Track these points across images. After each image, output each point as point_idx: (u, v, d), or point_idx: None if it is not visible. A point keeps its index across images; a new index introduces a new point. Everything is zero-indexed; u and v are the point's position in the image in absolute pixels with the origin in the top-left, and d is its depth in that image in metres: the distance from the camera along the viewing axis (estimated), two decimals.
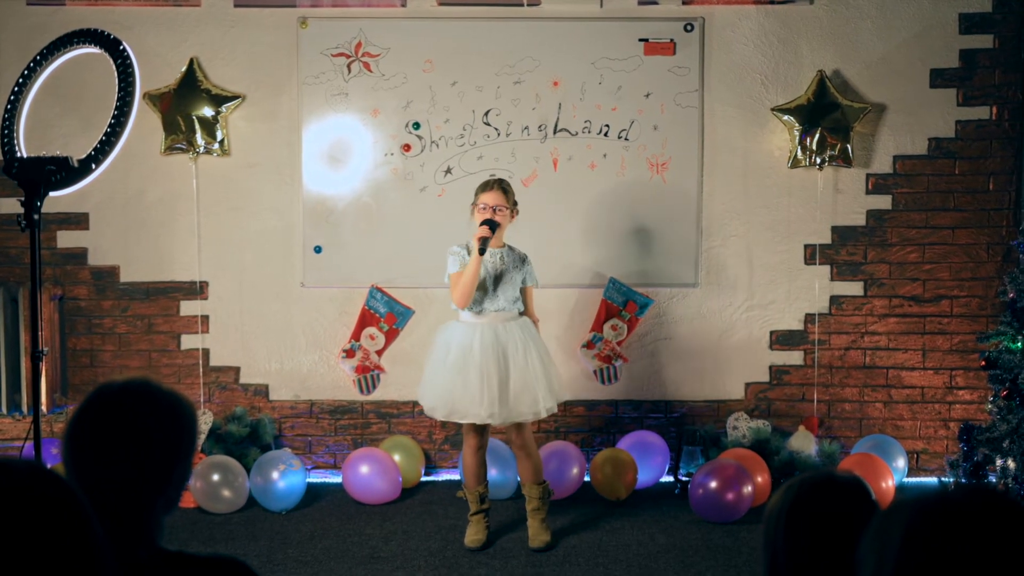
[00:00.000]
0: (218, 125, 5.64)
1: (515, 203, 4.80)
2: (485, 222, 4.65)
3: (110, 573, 1.46)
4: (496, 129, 5.72)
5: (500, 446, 5.42)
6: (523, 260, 4.84)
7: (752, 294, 5.83)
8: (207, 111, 5.62)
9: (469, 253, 4.69)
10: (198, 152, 5.66)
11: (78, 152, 3.96)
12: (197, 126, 5.62)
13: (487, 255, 4.73)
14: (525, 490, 4.88)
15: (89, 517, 1.45)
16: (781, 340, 5.86)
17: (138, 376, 1.93)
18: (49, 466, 1.72)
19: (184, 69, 5.62)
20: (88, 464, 1.83)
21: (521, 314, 4.82)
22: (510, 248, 4.85)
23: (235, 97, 5.67)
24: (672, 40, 5.71)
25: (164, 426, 1.88)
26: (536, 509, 4.85)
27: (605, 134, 5.72)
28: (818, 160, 5.63)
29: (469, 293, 4.67)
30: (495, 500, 5.20)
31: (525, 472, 4.85)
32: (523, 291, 4.84)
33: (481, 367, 4.64)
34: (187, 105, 5.61)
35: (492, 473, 5.15)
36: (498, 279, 4.74)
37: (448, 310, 5.73)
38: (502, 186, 4.75)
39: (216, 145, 5.66)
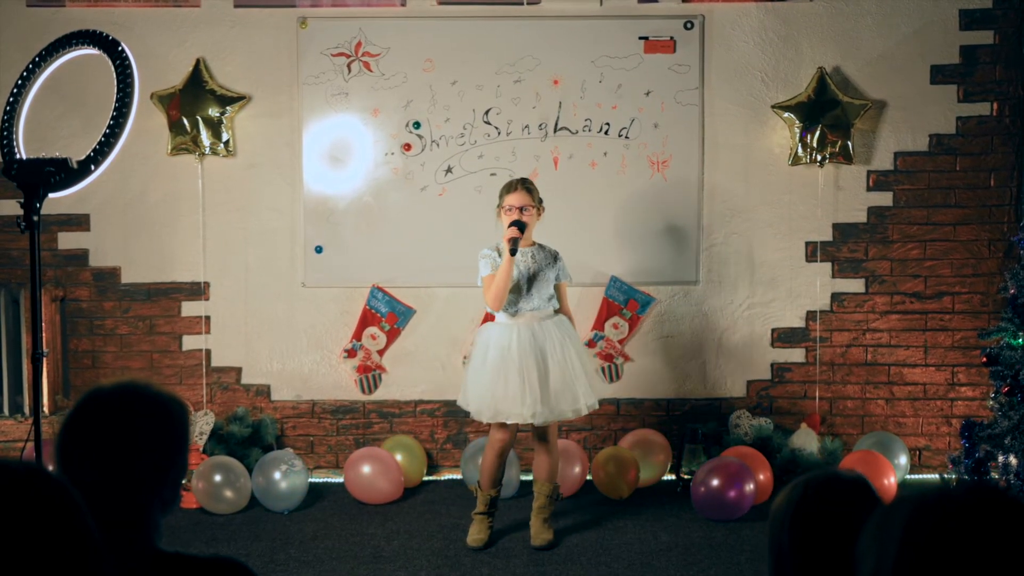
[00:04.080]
0: (223, 126, 5.64)
1: (540, 200, 4.80)
2: (513, 223, 4.65)
3: (107, 575, 1.46)
4: (496, 128, 5.72)
5: None
6: (555, 257, 4.83)
7: (753, 292, 5.83)
8: (213, 112, 5.61)
9: (500, 255, 4.68)
10: (204, 153, 5.66)
11: (80, 153, 3.96)
12: (203, 127, 5.62)
13: (518, 255, 4.72)
14: (536, 487, 4.86)
15: (86, 519, 1.45)
16: (783, 338, 5.85)
17: (129, 379, 1.93)
18: (49, 468, 1.72)
19: (190, 70, 5.62)
20: (80, 468, 1.83)
21: (557, 312, 4.81)
22: (540, 246, 4.84)
23: (240, 97, 5.67)
24: (672, 38, 5.71)
25: (154, 428, 1.88)
26: (542, 507, 4.84)
27: (605, 132, 5.72)
28: (819, 157, 5.62)
29: (502, 295, 4.67)
30: None
31: (541, 468, 4.84)
32: (557, 288, 4.82)
33: (521, 367, 4.64)
34: (194, 106, 5.61)
35: None
36: (532, 278, 4.74)
37: (451, 309, 5.76)
38: (526, 185, 4.75)
39: (221, 146, 5.66)
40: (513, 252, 4.59)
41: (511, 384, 4.64)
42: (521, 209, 4.68)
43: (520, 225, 4.64)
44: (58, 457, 1.86)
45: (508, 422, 4.70)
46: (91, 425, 1.85)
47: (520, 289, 4.74)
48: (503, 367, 4.67)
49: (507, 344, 4.69)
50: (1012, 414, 4.67)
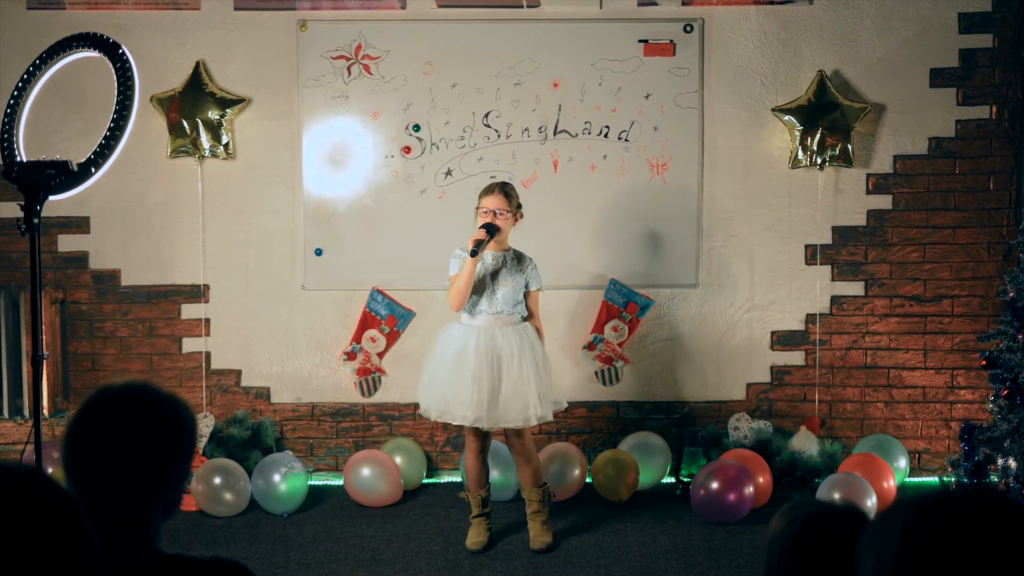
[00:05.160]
0: (223, 128, 5.65)
1: (519, 206, 4.80)
2: (484, 226, 4.66)
3: None
4: (496, 131, 5.72)
5: (500, 447, 5.40)
6: (527, 263, 4.83)
7: (753, 294, 5.83)
8: (213, 114, 5.62)
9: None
10: (204, 156, 5.66)
11: (80, 156, 3.96)
12: (202, 129, 5.62)
13: (488, 258, 4.73)
14: (525, 494, 4.88)
15: (84, 522, 1.46)
16: (782, 340, 5.86)
17: (138, 379, 1.94)
18: (49, 471, 1.72)
19: (190, 72, 5.62)
20: (88, 467, 1.84)
21: (525, 319, 4.81)
22: (514, 251, 4.85)
23: (240, 100, 5.67)
24: (672, 41, 5.71)
25: (164, 429, 1.89)
26: (536, 511, 4.85)
27: (605, 135, 5.73)
28: (818, 160, 5.62)
29: (462, 296, 4.68)
30: (496, 502, 5.19)
31: (524, 477, 4.85)
32: (527, 295, 4.82)
33: (474, 370, 4.64)
34: (193, 108, 5.61)
35: (493, 475, 5.15)
36: (498, 282, 4.74)
37: (450, 311, 5.73)
38: (504, 189, 4.75)
39: (221, 148, 5.66)
40: (473, 253, 4.59)
41: (463, 386, 4.65)
42: (495, 212, 4.69)
43: (490, 228, 4.65)
44: (64, 454, 1.86)
45: (452, 423, 4.75)
46: (98, 423, 1.86)
47: (484, 291, 4.73)
48: (458, 368, 4.68)
49: (464, 346, 4.70)
50: (1011, 417, 4.67)
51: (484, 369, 4.64)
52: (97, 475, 1.83)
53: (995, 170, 5.77)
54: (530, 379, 4.68)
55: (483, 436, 4.80)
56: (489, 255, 4.75)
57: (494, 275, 4.75)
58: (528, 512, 4.86)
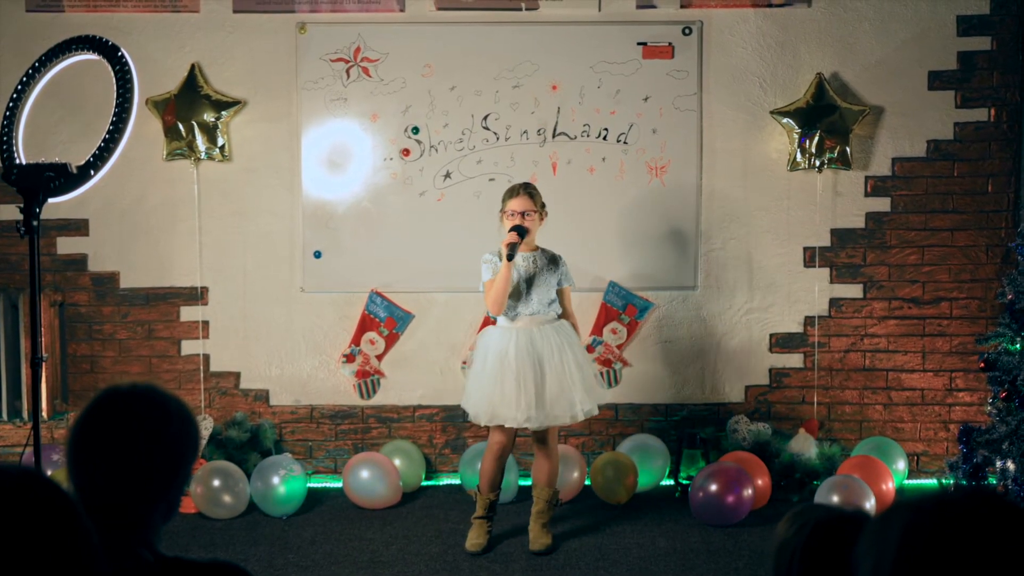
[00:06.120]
0: (219, 131, 5.65)
1: (543, 205, 4.83)
2: (514, 228, 4.67)
3: None
4: (495, 133, 5.73)
5: None
6: (557, 262, 4.86)
7: (752, 297, 5.83)
8: (208, 117, 5.62)
9: (501, 260, 4.70)
10: (200, 158, 5.66)
11: (79, 158, 3.96)
12: (198, 131, 5.62)
13: (518, 259, 4.74)
14: (535, 491, 4.87)
15: (83, 523, 1.46)
16: (781, 343, 5.86)
17: (144, 381, 1.95)
18: (48, 473, 1.72)
19: (185, 75, 5.63)
20: (91, 467, 1.84)
21: (559, 316, 4.83)
22: (543, 250, 4.87)
23: (236, 103, 5.67)
24: (670, 43, 5.72)
25: (168, 431, 1.89)
26: (541, 512, 4.84)
27: (604, 138, 5.73)
28: (817, 163, 5.63)
29: (502, 300, 4.68)
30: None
31: (540, 473, 4.85)
32: (560, 292, 4.85)
33: (517, 372, 4.66)
34: (189, 111, 5.61)
35: None
36: (531, 282, 4.76)
37: (449, 314, 5.77)
38: (528, 190, 4.78)
39: (217, 150, 5.66)
40: (510, 257, 4.61)
41: (507, 388, 4.67)
42: (523, 214, 4.70)
43: (521, 230, 4.67)
44: (68, 454, 1.87)
45: (505, 425, 4.72)
46: (103, 424, 1.86)
47: (520, 294, 4.75)
48: (501, 371, 4.69)
49: (505, 348, 4.71)
50: (1010, 419, 4.67)
51: (527, 369, 4.66)
52: (100, 475, 1.83)
53: (993, 172, 5.77)
54: (574, 375, 4.72)
55: (511, 439, 4.80)
56: (519, 257, 4.76)
57: (527, 276, 4.77)
58: (533, 511, 4.86)
